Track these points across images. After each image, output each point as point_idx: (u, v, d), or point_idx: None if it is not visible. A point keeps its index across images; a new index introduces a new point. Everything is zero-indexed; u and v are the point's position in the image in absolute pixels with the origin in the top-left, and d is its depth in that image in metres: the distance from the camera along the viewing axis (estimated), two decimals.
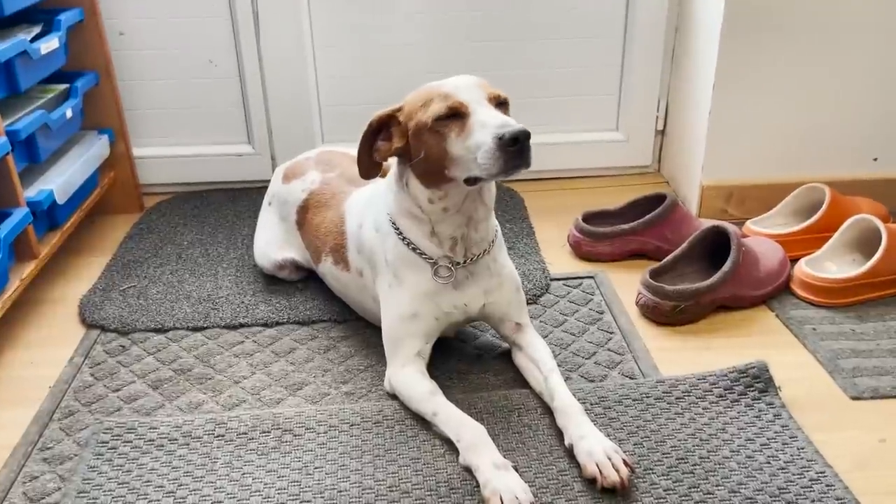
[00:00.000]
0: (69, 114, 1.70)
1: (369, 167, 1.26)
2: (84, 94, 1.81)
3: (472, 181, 1.17)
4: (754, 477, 1.11)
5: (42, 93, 1.69)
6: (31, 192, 1.57)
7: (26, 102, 1.62)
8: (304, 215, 1.55)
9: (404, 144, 1.21)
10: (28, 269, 1.51)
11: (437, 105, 1.15)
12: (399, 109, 1.22)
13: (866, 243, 1.59)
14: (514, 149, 1.08)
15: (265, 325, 1.51)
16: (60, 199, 1.62)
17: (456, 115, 1.14)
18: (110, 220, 1.97)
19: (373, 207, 1.35)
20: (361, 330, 1.48)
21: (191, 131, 2.07)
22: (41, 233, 1.61)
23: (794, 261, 1.61)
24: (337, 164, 1.60)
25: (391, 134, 1.22)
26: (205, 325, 1.50)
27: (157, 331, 1.49)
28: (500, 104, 1.17)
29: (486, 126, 1.11)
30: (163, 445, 1.18)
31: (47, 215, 1.63)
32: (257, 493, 1.10)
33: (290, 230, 1.60)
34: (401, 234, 1.27)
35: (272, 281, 1.65)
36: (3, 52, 1.43)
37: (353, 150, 1.71)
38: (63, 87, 1.73)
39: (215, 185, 2.11)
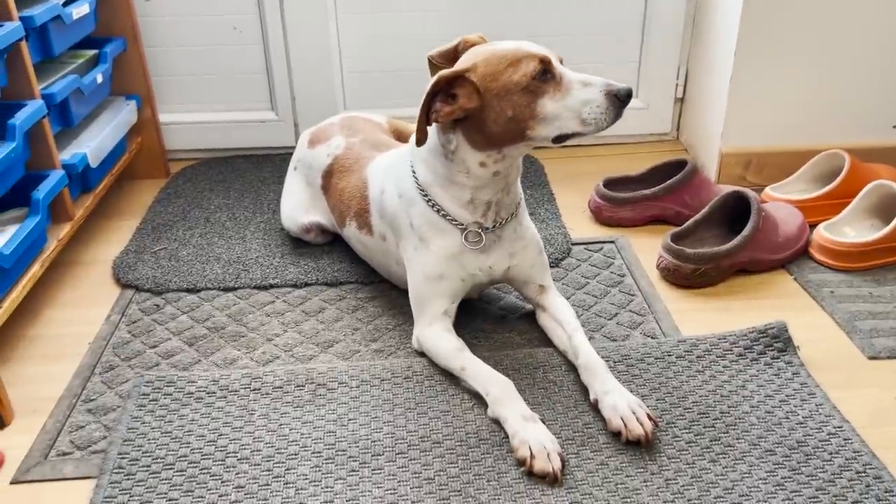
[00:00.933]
0: (100, 79, 1.73)
1: (426, 131, 1.22)
2: (112, 60, 1.84)
3: (561, 138, 1.20)
4: (773, 431, 1.15)
5: (73, 58, 1.72)
6: (66, 156, 1.60)
7: (59, 67, 1.65)
8: (329, 180, 1.58)
9: (477, 105, 1.18)
10: (64, 230, 1.55)
11: (532, 65, 1.15)
12: (468, 70, 1.18)
13: (885, 209, 1.62)
14: (624, 104, 1.16)
15: (294, 286, 1.55)
16: (93, 163, 1.66)
17: (547, 74, 1.16)
18: (137, 184, 2.01)
19: (393, 173, 1.37)
20: (388, 291, 1.52)
21: (215, 98, 2.10)
22: (75, 195, 1.65)
23: (813, 226, 1.63)
24: (360, 130, 1.63)
25: (455, 95, 1.18)
26: (236, 286, 1.55)
27: (190, 291, 1.54)
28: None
29: (592, 84, 1.16)
30: (201, 398, 1.23)
31: (80, 178, 1.67)
32: (295, 443, 1.14)
33: (316, 194, 1.63)
34: (430, 201, 1.29)
35: (300, 244, 1.68)
36: (38, 17, 1.46)
37: (376, 117, 1.75)
38: (93, 52, 1.76)
39: (239, 151, 2.14)
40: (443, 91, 1.18)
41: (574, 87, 1.16)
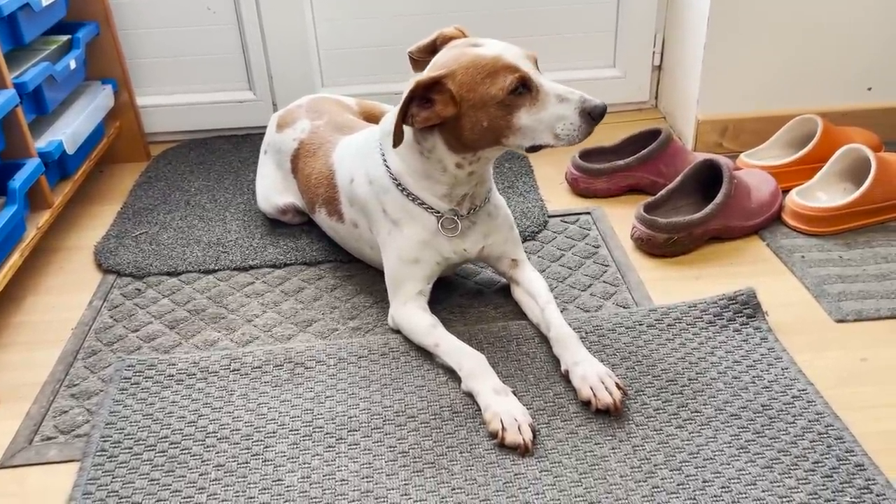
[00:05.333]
0: (73, 65, 1.73)
1: (402, 135, 1.22)
2: (86, 45, 1.83)
3: (535, 148, 1.20)
4: (739, 396, 1.17)
5: (45, 44, 1.72)
6: (42, 143, 1.61)
7: (31, 55, 1.65)
8: (297, 164, 1.58)
9: (453, 113, 1.17)
10: (43, 217, 1.57)
11: (508, 79, 1.14)
12: (446, 76, 1.16)
13: (857, 173, 1.63)
14: (597, 121, 1.16)
15: (274, 266, 1.57)
16: (70, 149, 1.66)
17: (524, 88, 1.16)
18: (118, 169, 2.02)
19: (362, 160, 1.36)
20: (365, 269, 1.54)
21: (192, 79, 2.10)
22: (53, 182, 1.66)
23: (787, 191, 1.65)
24: (325, 112, 1.62)
25: (432, 101, 1.18)
26: (216, 268, 1.57)
27: (171, 274, 1.56)
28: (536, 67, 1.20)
29: (567, 100, 1.16)
30: (182, 380, 1.26)
31: (58, 165, 1.68)
32: (273, 421, 1.17)
33: (287, 178, 1.63)
34: (404, 189, 1.30)
35: (278, 224, 1.70)
36: (5, 6, 1.46)
37: (346, 98, 1.75)
38: (65, 38, 1.76)
39: (219, 131, 2.15)
40: (420, 96, 1.18)
41: (550, 102, 1.16)
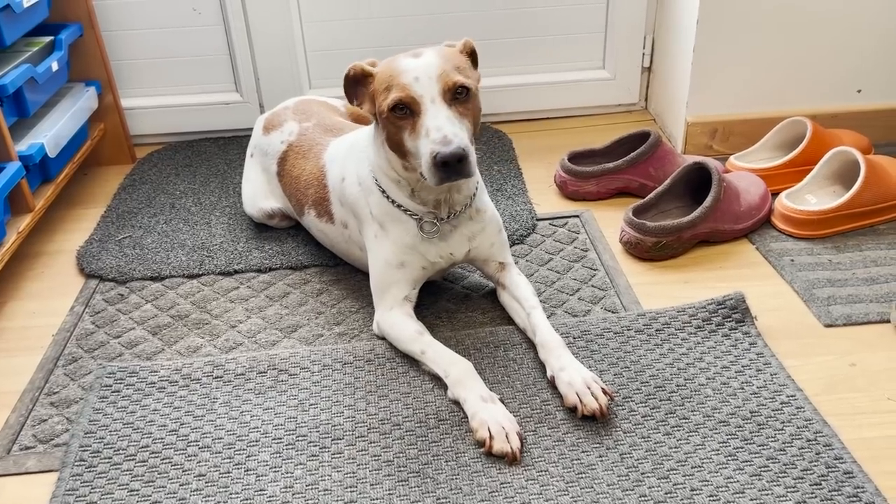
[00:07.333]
0: (55, 66, 1.71)
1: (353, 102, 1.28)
2: (69, 47, 1.81)
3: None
4: (728, 402, 1.16)
5: (27, 46, 1.70)
6: (23, 147, 1.59)
7: (12, 56, 1.63)
8: (284, 166, 1.56)
9: (373, 111, 1.23)
10: (24, 222, 1.54)
11: (392, 96, 1.14)
12: (372, 74, 1.22)
13: (846, 175, 1.62)
14: (448, 167, 1.10)
15: (259, 270, 1.55)
16: (52, 153, 1.64)
17: (410, 110, 1.14)
18: (103, 171, 2.00)
19: (353, 159, 1.36)
20: (351, 274, 1.52)
21: (178, 81, 2.07)
22: (35, 186, 1.64)
23: (777, 194, 1.64)
24: (314, 113, 1.61)
25: (364, 94, 1.23)
26: (200, 273, 1.55)
27: (154, 279, 1.53)
28: (457, 95, 1.15)
29: (429, 137, 1.12)
30: (164, 388, 1.24)
31: (40, 169, 1.65)
32: (256, 430, 1.15)
33: (273, 181, 1.61)
34: (384, 191, 1.29)
35: (264, 228, 1.68)
36: None
37: (332, 100, 1.74)
38: (48, 39, 1.73)
39: (205, 133, 2.12)
40: (353, 82, 1.23)
41: (421, 134, 1.13)
